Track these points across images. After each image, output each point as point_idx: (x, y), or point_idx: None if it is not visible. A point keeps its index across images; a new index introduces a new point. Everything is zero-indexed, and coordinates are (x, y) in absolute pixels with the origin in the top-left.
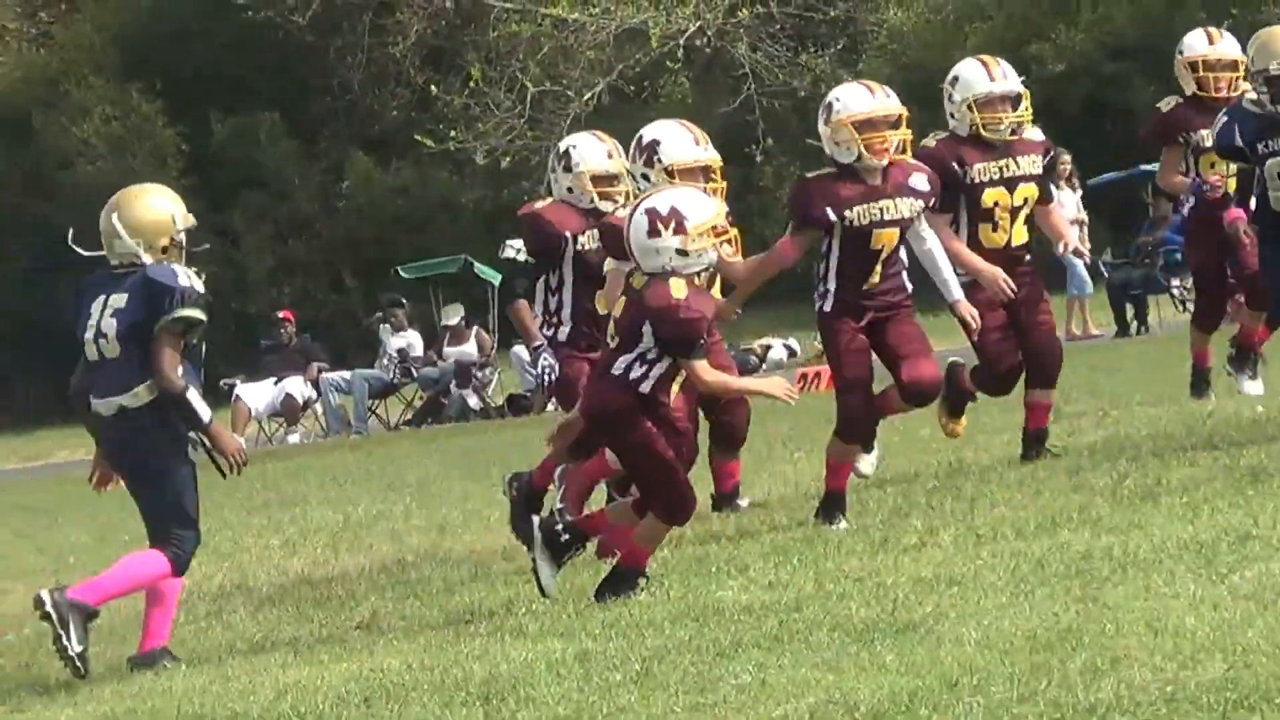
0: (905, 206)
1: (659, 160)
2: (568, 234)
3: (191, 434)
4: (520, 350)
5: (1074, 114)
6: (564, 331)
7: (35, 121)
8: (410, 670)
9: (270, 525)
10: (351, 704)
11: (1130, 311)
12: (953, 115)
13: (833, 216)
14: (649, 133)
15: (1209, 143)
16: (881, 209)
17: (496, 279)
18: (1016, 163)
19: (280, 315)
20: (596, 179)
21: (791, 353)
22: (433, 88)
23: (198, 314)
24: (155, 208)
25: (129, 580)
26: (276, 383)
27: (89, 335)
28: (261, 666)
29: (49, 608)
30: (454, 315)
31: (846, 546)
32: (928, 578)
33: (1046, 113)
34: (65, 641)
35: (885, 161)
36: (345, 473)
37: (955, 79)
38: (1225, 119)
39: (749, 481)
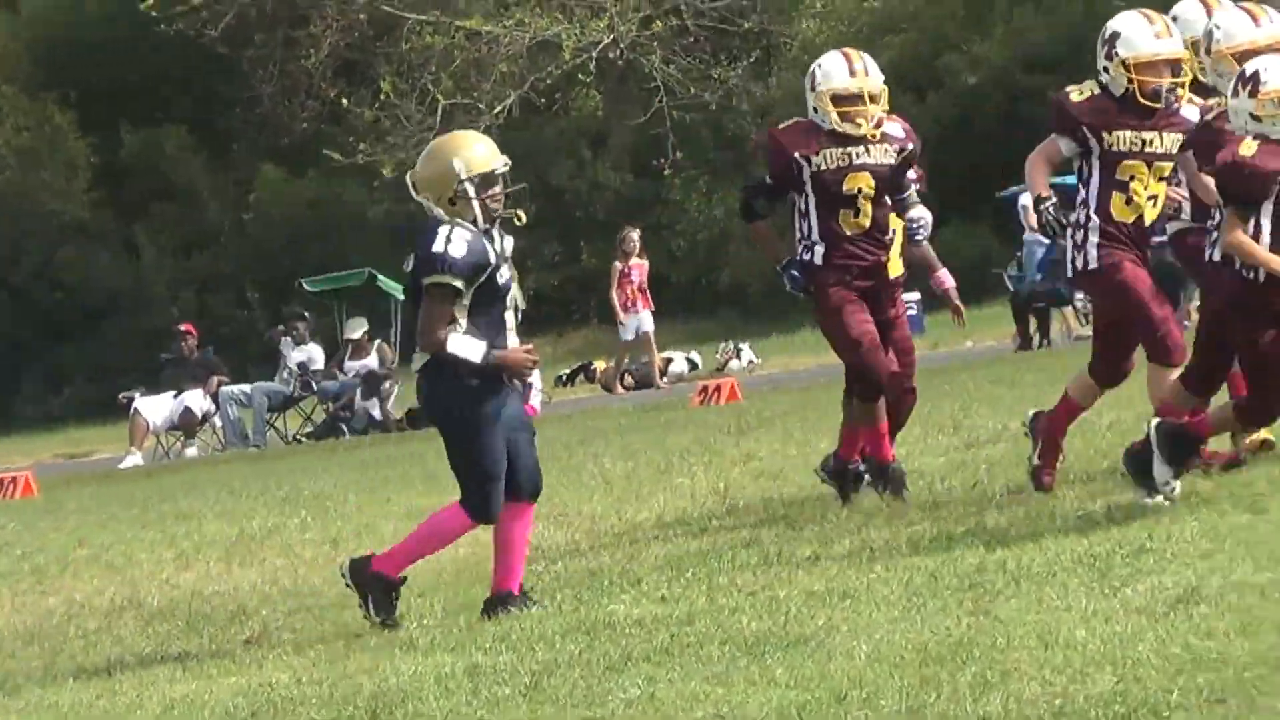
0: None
1: (1117, 53)
2: (798, 155)
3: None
4: None
5: (987, 127)
6: (819, 253)
7: None
8: (299, 684)
9: (164, 539)
10: (239, 718)
11: (1033, 324)
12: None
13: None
14: (1112, 24)
15: None
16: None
17: (399, 292)
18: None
19: (181, 328)
20: (837, 98)
21: (693, 365)
22: (343, 100)
23: (449, 280)
24: (434, 160)
25: (432, 539)
26: (176, 396)
27: None
28: (149, 681)
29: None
30: (356, 329)
31: (740, 560)
32: (820, 591)
33: (959, 125)
34: (366, 610)
35: None
36: (242, 486)
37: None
38: None
39: (645, 494)
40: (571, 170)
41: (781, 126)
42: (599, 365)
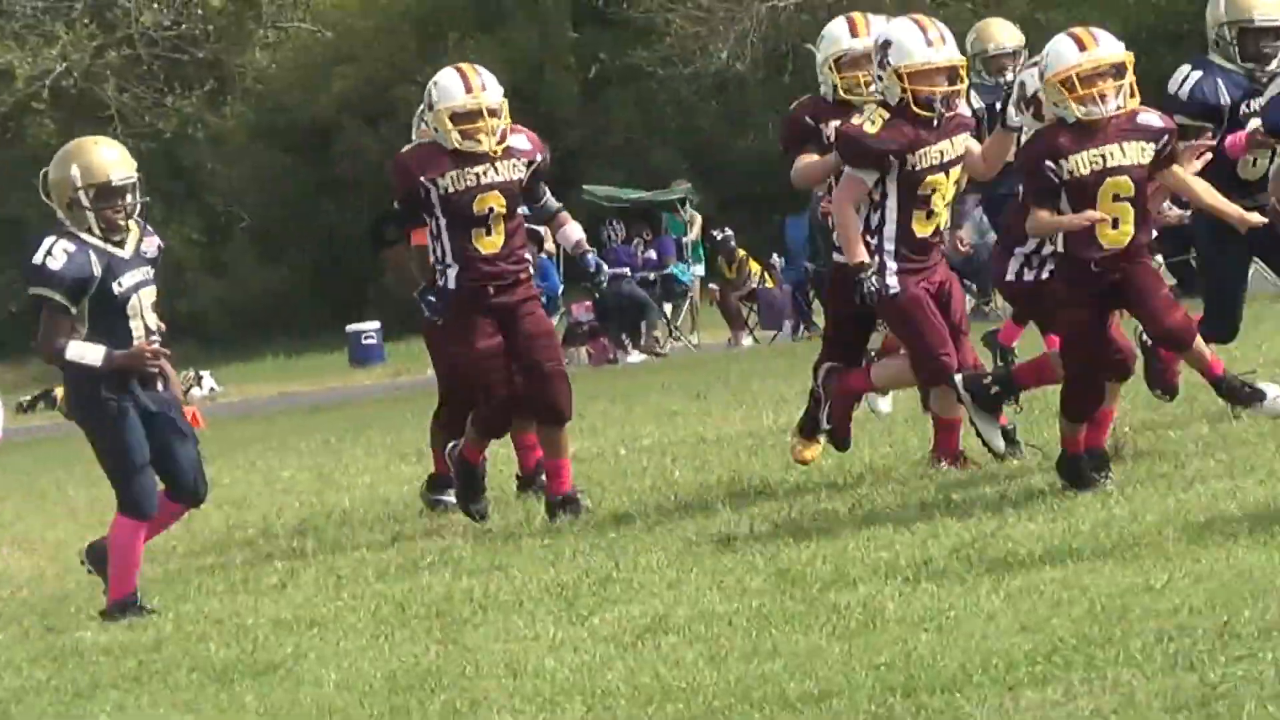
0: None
1: (889, 62)
2: (424, 178)
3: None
4: None
5: None
6: (452, 277)
7: None
8: None
9: None
10: None
11: None
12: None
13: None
14: (885, 33)
15: None
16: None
17: None
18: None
19: None
20: (456, 116)
21: None
22: None
23: (49, 294)
24: (59, 164)
25: (115, 555)
26: None
27: None
28: None
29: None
30: None
31: (206, 587)
32: (288, 619)
33: None
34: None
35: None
36: None
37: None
38: (1200, 73)
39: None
40: (27, 199)
41: (407, 149)
42: (59, 391)
